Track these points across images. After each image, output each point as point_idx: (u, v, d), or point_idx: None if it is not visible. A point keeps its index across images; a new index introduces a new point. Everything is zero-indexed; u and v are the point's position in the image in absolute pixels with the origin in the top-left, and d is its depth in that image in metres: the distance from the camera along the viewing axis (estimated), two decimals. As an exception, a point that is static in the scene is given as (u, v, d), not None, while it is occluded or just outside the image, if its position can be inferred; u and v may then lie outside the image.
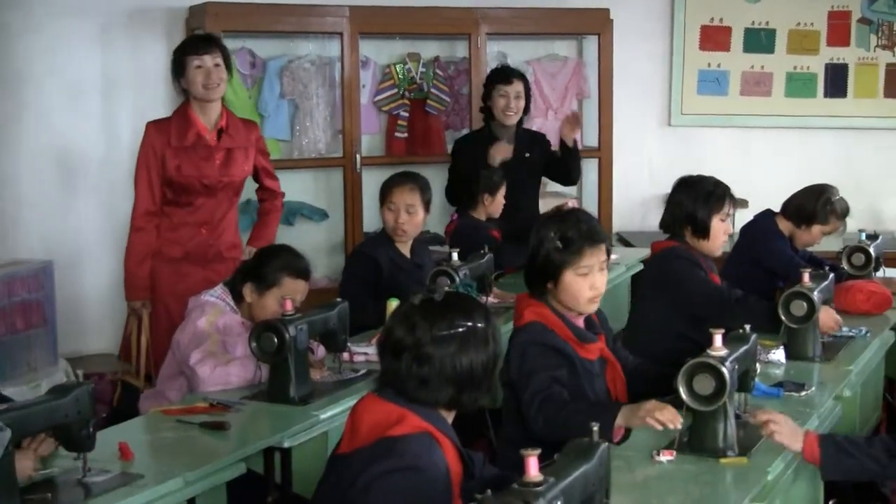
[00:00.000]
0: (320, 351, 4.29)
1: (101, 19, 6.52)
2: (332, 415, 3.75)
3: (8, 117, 6.36)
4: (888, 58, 7.83)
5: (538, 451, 2.20)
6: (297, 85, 6.90)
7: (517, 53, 7.53)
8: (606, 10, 7.32)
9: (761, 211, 5.76)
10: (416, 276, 5.13)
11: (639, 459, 3.19)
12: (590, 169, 7.56)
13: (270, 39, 6.95)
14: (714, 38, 7.86)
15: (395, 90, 7.24)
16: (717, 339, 3.27)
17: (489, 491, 2.18)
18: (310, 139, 6.95)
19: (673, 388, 3.74)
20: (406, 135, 7.30)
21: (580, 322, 3.64)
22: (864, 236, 5.55)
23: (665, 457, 3.18)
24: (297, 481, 3.60)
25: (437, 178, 5.99)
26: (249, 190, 5.37)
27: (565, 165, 6.36)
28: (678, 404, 3.26)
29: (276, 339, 3.79)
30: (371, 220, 6.66)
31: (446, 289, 2.92)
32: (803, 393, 3.85)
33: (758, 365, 3.62)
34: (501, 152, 6.15)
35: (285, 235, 6.25)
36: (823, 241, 5.75)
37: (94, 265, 6.50)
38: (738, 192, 7.27)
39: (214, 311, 4.18)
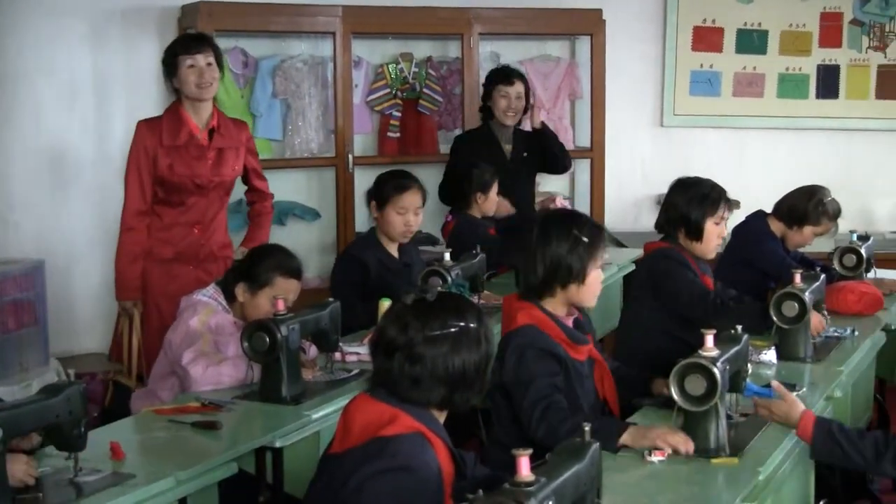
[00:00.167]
0: (312, 351, 4.29)
1: (93, 18, 6.51)
2: (324, 414, 3.75)
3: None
4: (880, 59, 7.84)
5: (530, 451, 2.20)
6: (290, 84, 6.89)
7: (510, 54, 7.53)
8: (599, 11, 7.33)
9: (753, 212, 5.77)
10: (404, 277, 5.14)
11: (630, 459, 3.20)
12: (582, 169, 7.57)
13: (263, 39, 6.95)
14: (706, 38, 7.86)
15: (388, 90, 7.24)
16: (709, 339, 3.28)
17: (481, 491, 2.19)
18: (302, 139, 6.95)
19: (648, 392, 3.78)
20: (398, 135, 7.30)
21: (570, 323, 3.64)
22: (855, 237, 5.56)
23: (656, 457, 3.19)
24: (288, 481, 3.60)
25: (429, 177, 5.99)
26: (239, 190, 5.36)
27: (549, 151, 6.48)
28: (669, 404, 3.27)
29: (267, 339, 3.79)
30: (363, 220, 6.66)
31: (439, 289, 2.92)
32: (794, 393, 3.85)
33: (749, 365, 3.62)
34: (504, 209, 6.19)
35: (277, 235, 6.24)
36: (815, 242, 5.76)
37: (86, 265, 6.49)
38: (730, 192, 7.30)
39: (206, 310, 4.18)
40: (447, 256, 5.01)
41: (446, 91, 7.34)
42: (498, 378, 3.47)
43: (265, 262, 4.24)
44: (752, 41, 7.86)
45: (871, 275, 5.57)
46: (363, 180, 6.49)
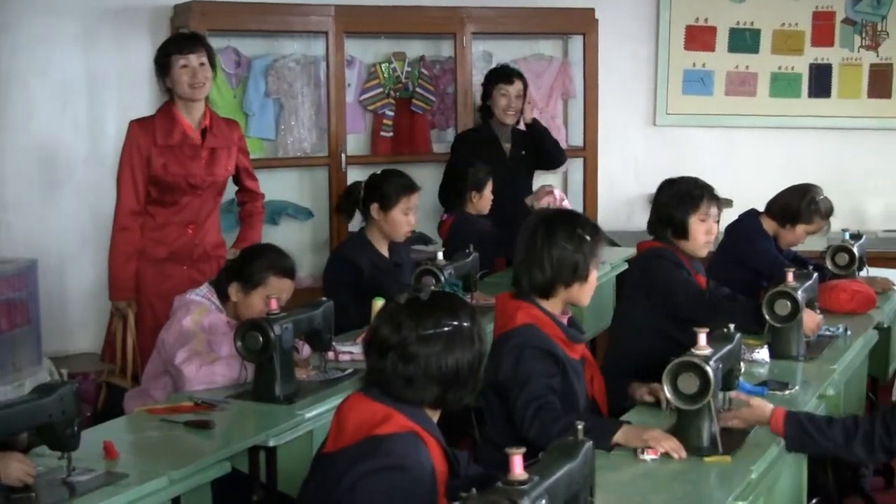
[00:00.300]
0: (305, 350, 4.29)
1: (85, 18, 6.50)
2: (318, 414, 3.75)
3: (-8, 116, 6.35)
4: (872, 58, 7.85)
5: (523, 450, 2.20)
6: (283, 84, 6.89)
7: (502, 53, 7.53)
8: (592, 10, 7.33)
9: (746, 210, 5.78)
10: (395, 276, 5.15)
11: (623, 458, 3.21)
12: (575, 168, 7.59)
13: (255, 38, 6.94)
14: (699, 38, 7.87)
15: (381, 89, 7.23)
16: (702, 338, 3.28)
17: (474, 490, 2.19)
18: (295, 138, 6.94)
19: (626, 397, 3.82)
20: (391, 134, 7.30)
21: (565, 322, 3.65)
22: (847, 236, 5.57)
23: (649, 455, 3.20)
24: (282, 480, 3.60)
25: (421, 177, 5.99)
26: (231, 190, 5.36)
27: (542, 146, 6.60)
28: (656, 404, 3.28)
29: (261, 338, 3.79)
30: (356, 219, 6.65)
31: (432, 288, 2.92)
32: (787, 392, 3.87)
33: (742, 364, 3.63)
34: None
35: (270, 235, 6.25)
36: (807, 241, 5.77)
37: (79, 264, 6.48)
38: (722, 191, 7.27)
39: (200, 310, 4.18)
40: (440, 256, 5.02)
41: (439, 90, 7.34)
42: (492, 377, 3.48)
43: (258, 262, 4.24)
44: (744, 40, 7.87)
45: (863, 273, 5.58)
46: (356, 179, 6.47)
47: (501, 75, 6.55)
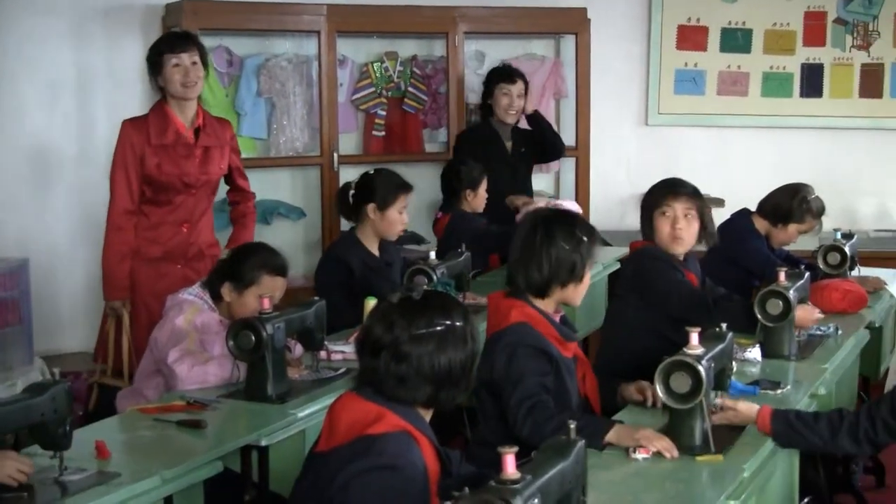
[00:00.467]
0: (298, 349, 4.29)
1: (76, 16, 6.49)
2: (310, 413, 3.75)
3: (-17, 115, 6.34)
4: (863, 58, 7.87)
5: (515, 449, 2.21)
6: (275, 83, 6.88)
7: (495, 52, 7.54)
8: (584, 10, 7.34)
9: (738, 210, 5.79)
10: (386, 275, 5.15)
11: (615, 457, 3.21)
12: (567, 168, 7.59)
13: (247, 37, 6.93)
14: (691, 37, 7.88)
15: (373, 89, 7.23)
16: (694, 337, 3.29)
17: (466, 489, 2.19)
18: (287, 137, 6.94)
19: (615, 398, 3.82)
20: (383, 133, 7.30)
21: (558, 320, 3.66)
22: (839, 235, 5.58)
23: (641, 454, 3.20)
24: (274, 479, 3.59)
25: (413, 176, 5.98)
26: (223, 188, 5.35)
27: (541, 136, 6.68)
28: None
29: (253, 338, 3.79)
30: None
31: (425, 287, 2.93)
32: (779, 391, 3.87)
33: (734, 363, 3.64)
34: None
35: (262, 234, 6.24)
36: (799, 240, 5.78)
37: (70, 263, 6.48)
38: (715, 191, 7.37)
39: (192, 309, 4.17)
40: (432, 255, 5.03)
41: (431, 90, 7.34)
42: (486, 375, 3.48)
43: (250, 261, 4.23)
44: (736, 40, 7.87)
45: (854, 273, 5.59)
46: (348, 179, 6.47)
47: (504, 75, 6.61)
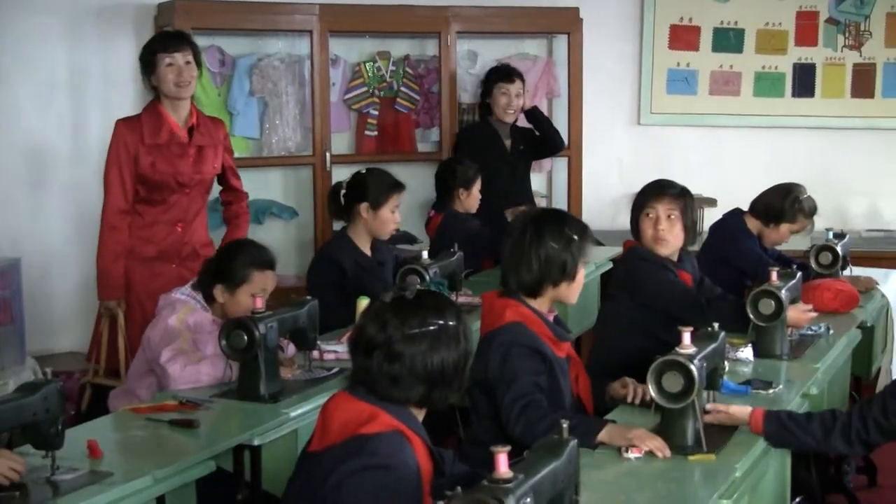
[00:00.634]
0: (290, 349, 4.29)
1: (68, 16, 6.48)
2: (303, 412, 3.75)
3: (-24, 114, 6.32)
4: (855, 58, 7.88)
5: (508, 448, 2.21)
6: (267, 83, 6.88)
7: (487, 52, 7.54)
8: (576, 10, 7.34)
9: (730, 210, 5.79)
10: (379, 275, 5.15)
11: (608, 456, 3.21)
12: (560, 168, 7.60)
13: (240, 37, 6.93)
14: (683, 37, 7.89)
15: (365, 88, 7.23)
16: (686, 337, 3.29)
17: (459, 488, 2.19)
18: (279, 137, 6.93)
19: (603, 398, 3.83)
20: (376, 133, 7.30)
21: (551, 320, 3.66)
22: (831, 235, 5.58)
23: (634, 454, 3.20)
24: (266, 479, 3.59)
25: (405, 176, 5.99)
26: (216, 188, 5.35)
27: (540, 131, 6.79)
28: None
29: (245, 337, 3.79)
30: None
31: (417, 287, 2.92)
32: (771, 391, 3.88)
33: (726, 363, 3.64)
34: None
35: (255, 233, 6.23)
36: (791, 240, 5.79)
37: (63, 263, 6.46)
38: (707, 190, 7.39)
39: (185, 308, 4.17)
40: (425, 254, 5.02)
41: (423, 89, 7.34)
42: (480, 374, 3.48)
43: (238, 260, 4.23)
44: (728, 40, 7.89)
45: (846, 272, 5.59)
46: (341, 178, 6.47)
47: (502, 74, 6.69)
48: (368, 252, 5.22)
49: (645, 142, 7.92)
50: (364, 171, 5.33)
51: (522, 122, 6.83)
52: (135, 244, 4.99)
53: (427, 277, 4.83)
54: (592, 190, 7.60)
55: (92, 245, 5.01)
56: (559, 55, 7.62)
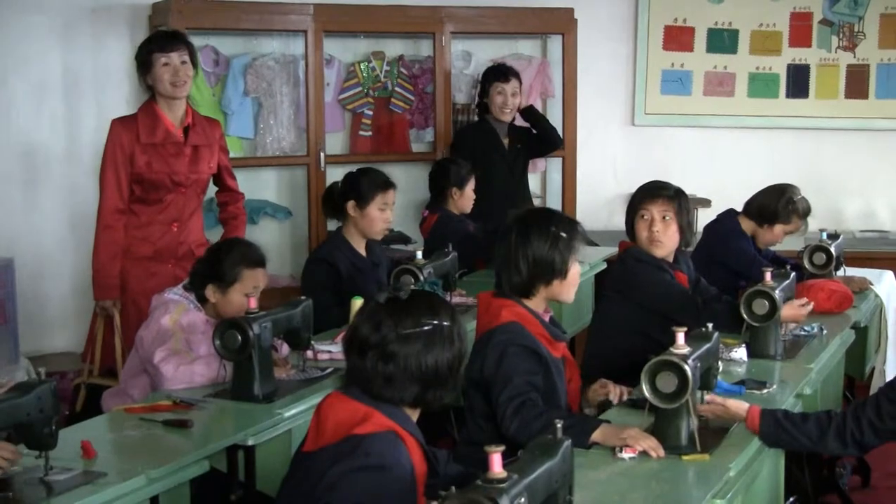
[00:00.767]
0: (284, 349, 4.29)
1: (62, 16, 6.46)
2: (296, 413, 3.75)
3: (-31, 114, 6.31)
4: (849, 59, 7.89)
5: (502, 448, 2.21)
6: (261, 83, 6.87)
7: (482, 52, 7.54)
8: (571, 10, 7.34)
9: (724, 210, 5.80)
10: (373, 275, 5.15)
11: (602, 456, 3.21)
12: (554, 168, 7.60)
13: (234, 37, 6.92)
14: (677, 38, 7.89)
15: (360, 88, 7.23)
16: (680, 337, 3.29)
17: (453, 488, 2.19)
18: (274, 137, 6.93)
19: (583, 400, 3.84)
20: (370, 133, 7.30)
21: (547, 320, 3.66)
22: (825, 235, 5.59)
23: (628, 454, 3.20)
24: (260, 479, 3.59)
25: (400, 176, 6.00)
26: (211, 188, 5.34)
27: (537, 128, 6.81)
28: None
29: (239, 337, 3.78)
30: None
31: (412, 287, 2.92)
32: (765, 391, 3.88)
33: (720, 363, 3.64)
34: None
35: (249, 233, 6.20)
36: (785, 241, 5.80)
37: (56, 263, 6.45)
38: (701, 191, 7.39)
39: (178, 308, 4.17)
40: (419, 255, 5.02)
41: (418, 90, 7.34)
42: (476, 374, 3.49)
43: (228, 259, 4.22)
44: (722, 41, 7.89)
45: (840, 273, 5.60)
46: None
47: (498, 74, 6.69)
48: (363, 253, 5.22)
49: (639, 142, 7.92)
50: (356, 171, 5.34)
51: (519, 122, 6.84)
52: (130, 244, 4.98)
53: (421, 278, 4.82)
54: (587, 190, 7.61)
55: (86, 244, 5.00)
56: (553, 56, 7.62)
